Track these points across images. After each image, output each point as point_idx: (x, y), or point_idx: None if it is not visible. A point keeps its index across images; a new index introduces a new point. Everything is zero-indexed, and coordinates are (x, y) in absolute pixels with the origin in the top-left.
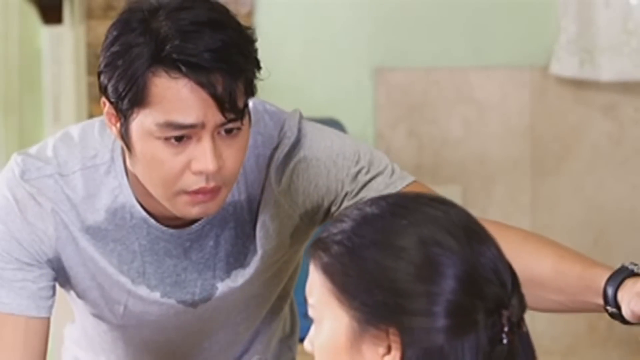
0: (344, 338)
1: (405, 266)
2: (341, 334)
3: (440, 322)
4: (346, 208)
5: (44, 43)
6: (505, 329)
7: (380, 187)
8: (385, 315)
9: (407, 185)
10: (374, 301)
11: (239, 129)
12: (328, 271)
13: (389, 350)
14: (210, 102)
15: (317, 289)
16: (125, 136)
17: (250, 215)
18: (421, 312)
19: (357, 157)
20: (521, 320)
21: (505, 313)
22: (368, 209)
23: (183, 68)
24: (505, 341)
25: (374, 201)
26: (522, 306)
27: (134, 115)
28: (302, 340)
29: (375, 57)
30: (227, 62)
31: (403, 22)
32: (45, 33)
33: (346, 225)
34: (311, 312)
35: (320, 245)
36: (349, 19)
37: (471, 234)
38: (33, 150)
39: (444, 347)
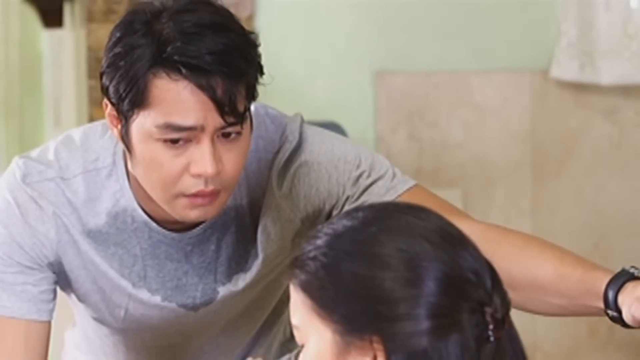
0: (330, 354)
1: (382, 273)
2: (327, 351)
3: (423, 325)
4: (320, 225)
5: (45, 46)
6: (491, 326)
7: (381, 191)
8: (366, 325)
9: (408, 189)
10: (352, 311)
11: (238, 133)
12: (306, 289)
13: (375, 359)
14: (210, 105)
15: (299, 309)
16: (125, 138)
17: (252, 219)
18: (403, 317)
19: (358, 161)
20: (506, 316)
21: (488, 310)
22: (341, 222)
23: (183, 70)
24: (492, 339)
25: (348, 213)
26: (505, 302)
27: (134, 116)
28: None
29: (376, 60)
30: (228, 65)
31: (403, 25)
32: (46, 36)
33: (320, 241)
34: (296, 335)
35: (296, 264)
36: (349, 22)
37: (446, 237)
38: (34, 153)
39: (427, 349)
